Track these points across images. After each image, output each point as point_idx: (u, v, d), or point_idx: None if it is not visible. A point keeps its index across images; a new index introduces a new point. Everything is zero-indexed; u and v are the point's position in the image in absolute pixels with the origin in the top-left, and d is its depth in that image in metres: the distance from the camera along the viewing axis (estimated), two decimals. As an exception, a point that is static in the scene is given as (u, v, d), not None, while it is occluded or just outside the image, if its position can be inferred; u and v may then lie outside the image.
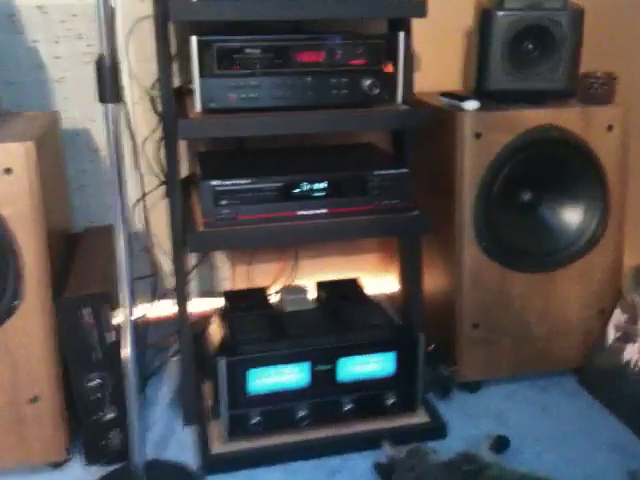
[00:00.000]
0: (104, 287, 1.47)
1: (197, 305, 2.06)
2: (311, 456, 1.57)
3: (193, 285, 2.09)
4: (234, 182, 1.52)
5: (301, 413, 1.56)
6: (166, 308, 1.99)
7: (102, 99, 1.17)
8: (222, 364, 1.49)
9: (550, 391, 1.83)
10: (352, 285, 1.91)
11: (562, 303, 1.81)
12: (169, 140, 1.62)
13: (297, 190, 1.56)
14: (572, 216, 1.77)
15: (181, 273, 1.64)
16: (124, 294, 1.32)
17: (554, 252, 1.76)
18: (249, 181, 1.53)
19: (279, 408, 1.56)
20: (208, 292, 2.12)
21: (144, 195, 1.89)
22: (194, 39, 1.46)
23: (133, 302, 1.33)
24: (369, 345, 1.59)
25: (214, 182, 1.51)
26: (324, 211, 1.59)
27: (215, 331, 1.78)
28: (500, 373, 1.82)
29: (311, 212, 1.58)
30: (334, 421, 1.60)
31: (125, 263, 1.29)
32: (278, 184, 1.55)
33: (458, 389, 1.80)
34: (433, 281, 1.87)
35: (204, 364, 1.73)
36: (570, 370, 1.88)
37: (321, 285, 1.90)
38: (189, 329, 1.66)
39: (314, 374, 1.56)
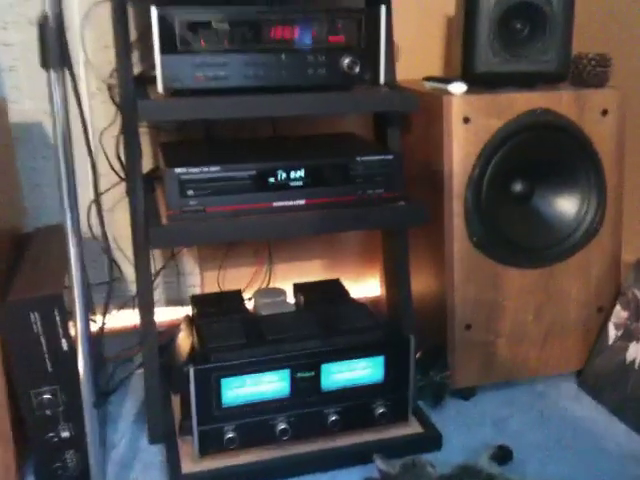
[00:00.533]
0: (55, 289, 1.30)
1: (163, 314, 1.90)
2: (293, 474, 1.42)
3: (158, 293, 1.93)
4: (202, 169, 1.37)
5: (281, 426, 1.41)
6: (128, 317, 1.83)
7: (45, 64, 1.02)
8: (191, 373, 1.33)
9: (549, 396, 1.71)
10: (333, 286, 1.76)
11: (559, 301, 1.68)
12: (129, 128, 1.47)
13: (272, 179, 1.42)
14: (568, 206, 1.65)
15: (144, 275, 1.49)
16: (77, 300, 1.17)
17: (550, 245, 1.64)
18: (219, 169, 1.38)
19: (256, 421, 1.40)
20: (175, 301, 1.96)
21: (98, 194, 1.72)
22: (154, 10, 1.32)
23: (89, 309, 1.18)
24: (355, 349, 1.44)
25: (179, 170, 1.36)
26: (302, 202, 1.45)
27: (183, 340, 1.64)
28: (495, 378, 1.69)
29: (288, 203, 1.44)
30: (318, 434, 1.45)
31: (77, 266, 1.15)
32: (251, 172, 1.41)
33: (451, 396, 1.67)
34: (421, 280, 1.74)
35: (172, 377, 1.58)
36: (569, 373, 1.76)
37: (299, 287, 1.75)
38: (154, 336, 1.50)
39: (295, 382, 1.41)
